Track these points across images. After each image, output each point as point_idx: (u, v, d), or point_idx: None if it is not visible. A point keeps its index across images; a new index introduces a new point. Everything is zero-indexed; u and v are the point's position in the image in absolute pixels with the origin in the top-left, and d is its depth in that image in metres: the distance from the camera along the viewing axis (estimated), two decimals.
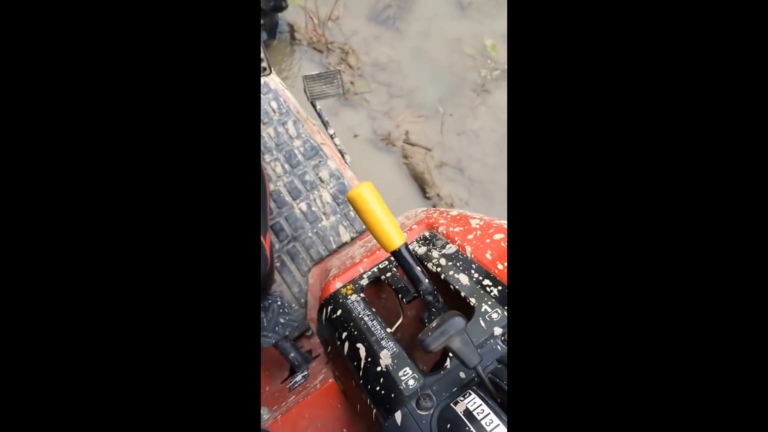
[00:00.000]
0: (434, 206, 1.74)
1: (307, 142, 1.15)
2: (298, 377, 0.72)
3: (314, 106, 1.10)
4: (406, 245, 0.54)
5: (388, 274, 0.66)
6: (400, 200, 1.69)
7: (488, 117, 1.83)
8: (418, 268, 0.55)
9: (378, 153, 1.72)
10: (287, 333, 0.83)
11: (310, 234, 1.08)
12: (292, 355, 0.82)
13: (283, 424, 0.58)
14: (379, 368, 0.51)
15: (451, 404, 0.44)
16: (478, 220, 0.68)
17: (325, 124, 1.13)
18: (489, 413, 0.40)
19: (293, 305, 1.00)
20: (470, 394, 0.44)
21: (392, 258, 0.57)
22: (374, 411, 0.48)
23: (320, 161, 1.14)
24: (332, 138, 1.14)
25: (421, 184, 1.74)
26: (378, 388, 0.49)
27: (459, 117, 1.81)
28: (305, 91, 1.05)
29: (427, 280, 0.55)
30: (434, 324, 0.42)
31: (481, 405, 0.41)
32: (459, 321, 0.41)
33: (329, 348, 0.64)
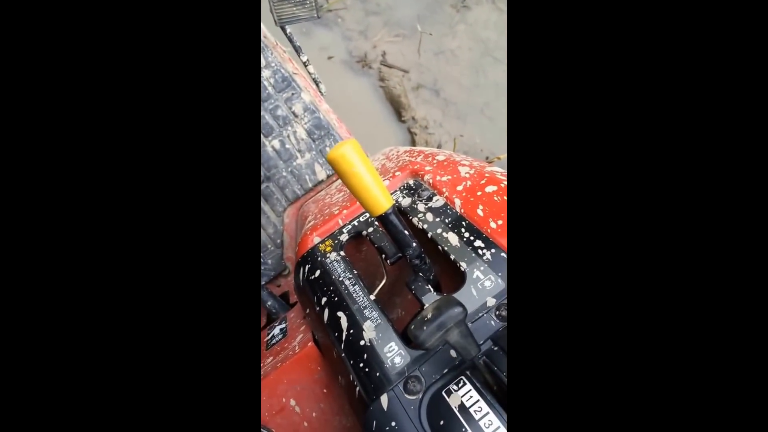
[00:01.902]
0: (409, 129, 1.64)
1: (277, 73, 0.99)
2: (276, 330, 0.68)
3: (284, 30, 0.93)
4: (394, 208, 0.45)
5: (370, 230, 0.59)
6: (374, 125, 1.57)
7: (467, 35, 1.66)
8: (406, 231, 0.47)
9: (353, 76, 1.56)
10: (263, 282, 0.78)
11: (284, 173, 0.97)
12: (269, 303, 0.78)
13: (261, 390, 0.54)
14: (362, 342, 0.46)
15: (443, 393, 0.39)
16: (468, 167, 0.60)
17: (297, 50, 0.97)
18: (488, 412, 0.35)
19: (269, 246, 0.94)
20: (464, 383, 0.39)
21: None
22: (357, 389, 0.43)
23: (293, 93, 0.99)
24: (305, 66, 0.98)
25: (397, 108, 1.61)
26: (361, 365, 0.44)
27: (437, 36, 1.63)
28: (272, 13, 0.88)
29: (414, 244, 0.48)
30: (429, 314, 0.35)
31: (478, 401, 0.36)
32: (458, 312, 0.35)
33: (308, 310, 0.59)
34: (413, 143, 1.62)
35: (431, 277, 0.52)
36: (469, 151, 1.62)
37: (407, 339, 0.46)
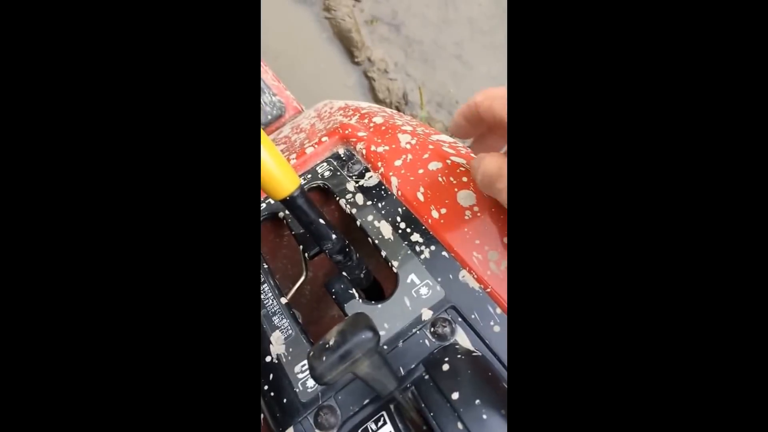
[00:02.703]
0: (365, 73, 1.46)
1: None
2: None
3: None
4: (302, 189, 0.35)
5: (288, 212, 0.47)
6: (320, 69, 1.38)
7: None
8: (321, 220, 0.37)
9: (292, 5, 1.33)
10: None
11: None
12: None
13: None
14: (268, 358, 0.37)
15: (360, 431, 0.32)
16: (410, 135, 0.48)
17: None
18: None
19: None
20: (384, 421, 0.31)
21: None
22: (262, 416, 0.35)
23: None
24: None
25: (348, 46, 1.42)
26: (266, 388, 0.35)
27: None
28: None
29: (334, 236, 0.38)
30: (331, 340, 0.27)
31: None
32: (366, 338, 0.26)
33: None
34: (373, 91, 1.44)
35: (362, 277, 0.42)
36: (443, 103, 1.46)
37: None
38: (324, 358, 0.26)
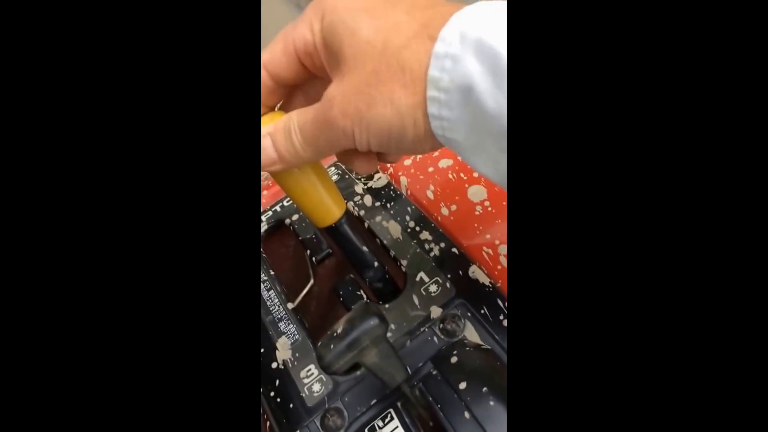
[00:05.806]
0: None
1: None
2: None
3: None
4: (349, 215, 0.36)
5: (295, 218, 0.49)
6: None
7: None
8: (365, 248, 0.37)
9: (295, 13, 1.37)
10: None
11: None
12: None
13: None
14: (274, 364, 0.38)
15: (367, 430, 0.32)
16: None
17: None
18: None
19: None
20: (392, 417, 0.32)
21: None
22: (268, 423, 0.36)
23: None
24: None
25: None
26: (272, 394, 0.36)
27: None
28: None
29: (376, 263, 0.38)
30: (339, 329, 0.27)
31: None
32: (373, 325, 0.27)
33: None
34: None
35: (387, 284, 0.42)
36: None
37: None
38: (332, 347, 0.27)
